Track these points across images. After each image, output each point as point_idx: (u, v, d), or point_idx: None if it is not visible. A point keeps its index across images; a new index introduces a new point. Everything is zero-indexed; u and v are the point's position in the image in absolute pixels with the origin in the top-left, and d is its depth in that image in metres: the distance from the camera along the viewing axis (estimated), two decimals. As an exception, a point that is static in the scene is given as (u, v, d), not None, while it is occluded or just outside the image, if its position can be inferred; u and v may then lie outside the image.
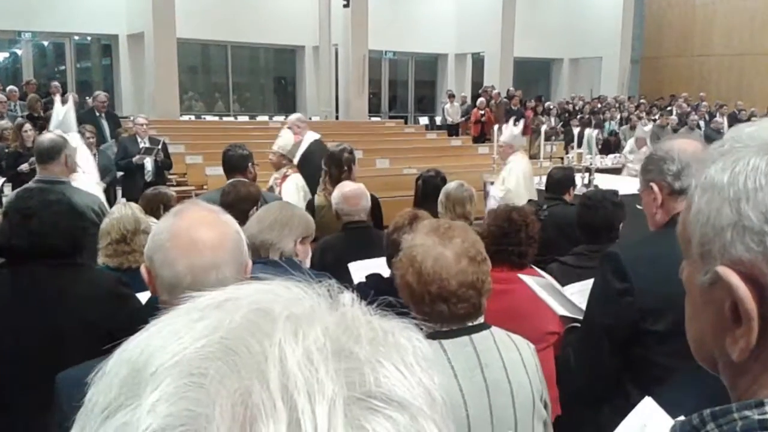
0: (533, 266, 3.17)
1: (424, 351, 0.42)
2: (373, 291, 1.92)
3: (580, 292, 2.44)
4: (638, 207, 2.20)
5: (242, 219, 3.76)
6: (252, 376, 0.36)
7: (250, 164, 4.71)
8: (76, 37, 18.55)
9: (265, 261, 2.60)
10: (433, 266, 1.76)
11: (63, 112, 5.20)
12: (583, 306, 2.28)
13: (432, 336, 1.77)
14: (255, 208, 3.84)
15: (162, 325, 0.41)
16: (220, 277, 1.41)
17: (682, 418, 0.79)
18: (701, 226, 0.76)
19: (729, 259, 0.73)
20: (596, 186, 7.14)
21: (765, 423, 0.70)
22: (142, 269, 1.48)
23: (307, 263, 2.90)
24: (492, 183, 7.26)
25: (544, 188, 5.58)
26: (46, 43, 18.92)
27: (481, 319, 1.85)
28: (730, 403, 0.75)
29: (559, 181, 5.20)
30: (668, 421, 1.37)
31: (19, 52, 18.19)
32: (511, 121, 8.12)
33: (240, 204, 3.79)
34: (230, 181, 4.39)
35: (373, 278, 2.96)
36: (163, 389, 0.36)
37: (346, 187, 4.08)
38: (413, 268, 1.77)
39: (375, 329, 0.41)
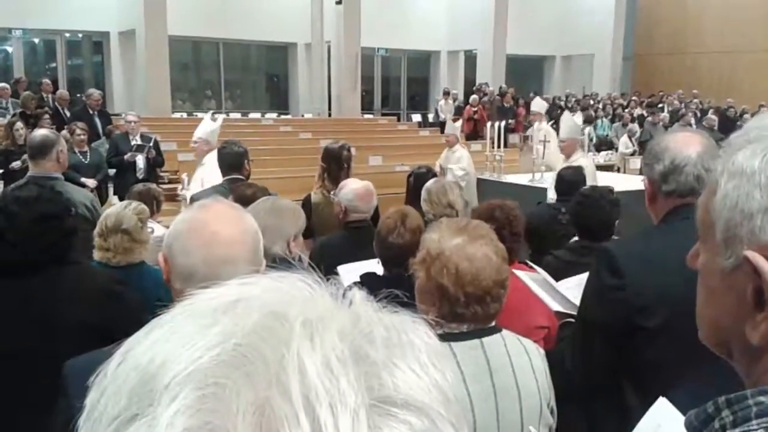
0: (527, 262, 3.17)
1: (435, 347, 0.42)
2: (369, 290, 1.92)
3: (575, 287, 2.44)
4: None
5: None
6: (271, 387, 0.35)
7: (246, 161, 4.70)
8: (68, 35, 18.48)
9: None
10: (470, 267, 1.73)
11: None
12: (577, 301, 2.28)
13: (442, 338, 1.71)
14: None
15: (169, 329, 0.39)
16: (234, 273, 1.39)
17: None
18: (728, 211, 0.76)
19: (757, 244, 0.74)
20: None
21: None
22: (160, 257, 1.50)
23: (305, 258, 2.89)
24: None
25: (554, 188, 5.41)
26: (37, 41, 18.84)
27: (492, 322, 1.82)
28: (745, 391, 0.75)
29: (571, 182, 5.03)
30: (682, 420, 1.38)
31: (9, 49, 18.11)
32: (208, 114, 6.84)
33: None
34: (232, 186, 4.36)
35: (368, 277, 2.96)
36: (181, 401, 0.35)
37: (356, 184, 4.02)
38: (447, 269, 1.73)
39: (388, 328, 0.40)
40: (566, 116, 7.65)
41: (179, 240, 1.47)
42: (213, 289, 0.42)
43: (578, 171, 5.32)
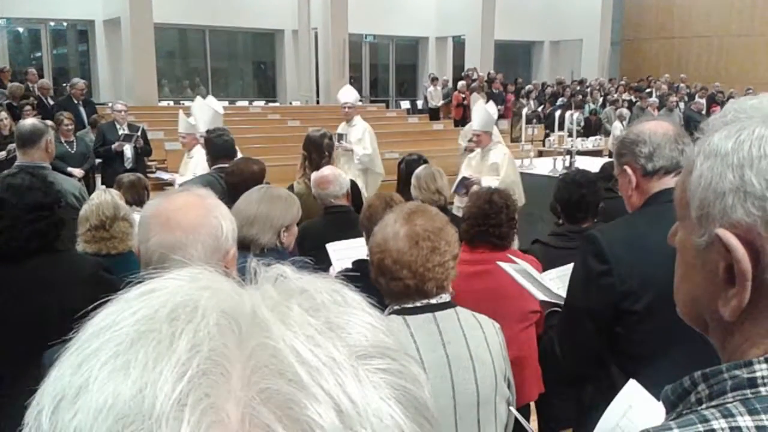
0: (515, 249, 3.20)
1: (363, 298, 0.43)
2: (361, 276, 1.96)
3: (558, 278, 2.46)
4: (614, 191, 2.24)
5: None
6: (273, 377, 0.35)
7: (235, 151, 4.70)
8: (52, 23, 18.28)
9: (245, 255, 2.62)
10: (378, 241, 1.90)
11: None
12: (561, 292, 2.30)
13: (397, 312, 1.88)
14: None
15: (113, 358, 0.36)
16: (186, 258, 1.46)
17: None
18: (702, 190, 0.79)
19: (728, 222, 0.76)
20: (577, 168, 7.17)
21: (754, 381, 0.73)
22: (135, 246, 1.59)
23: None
24: None
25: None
26: (21, 30, 18.63)
27: (445, 298, 1.93)
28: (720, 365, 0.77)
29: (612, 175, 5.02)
30: (652, 401, 1.40)
31: (-7, 38, 17.91)
32: None
33: (245, 184, 3.80)
34: (236, 159, 4.37)
35: (360, 263, 2.98)
36: (187, 422, 0.33)
37: (323, 171, 4.13)
38: (373, 239, 1.93)
39: (328, 291, 0.41)
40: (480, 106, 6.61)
41: (141, 228, 1.55)
42: (124, 306, 0.39)
43: None
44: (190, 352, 0.35)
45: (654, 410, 0.84)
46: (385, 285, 1.88)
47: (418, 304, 1.88)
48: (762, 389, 0.73)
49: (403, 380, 0.38)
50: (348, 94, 7.93)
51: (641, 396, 1.50)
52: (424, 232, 1.87)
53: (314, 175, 4.08)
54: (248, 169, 3.94)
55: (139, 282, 0.41)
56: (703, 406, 0.75)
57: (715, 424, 0.72)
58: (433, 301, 1.90)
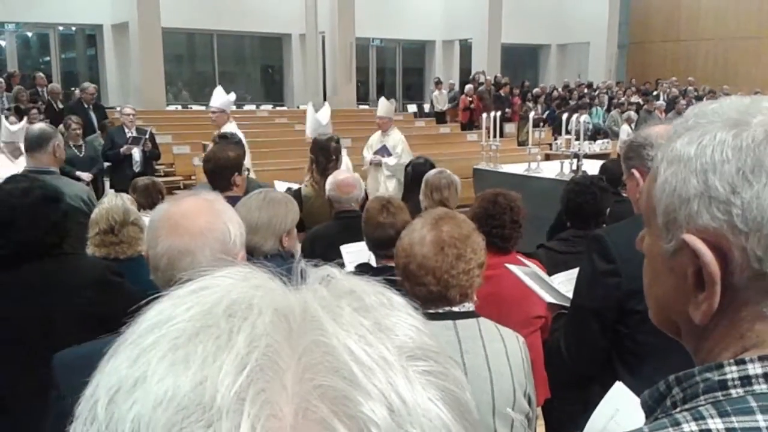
0: (519, 253, 3.19)
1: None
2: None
3: (567, 281, 2.47)
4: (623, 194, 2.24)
5: (227, 185, 3.72)
6: (328, 374, 0.36)
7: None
8: (61, 28, 18.42)
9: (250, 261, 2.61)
10: (405, 245, 1.91)
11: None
12: (569, 294, 2.31)
13: None
14: (237, 173, 3.79)
15: (171, 352, 0.36)
16: (194, 264, 1.46)
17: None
18: (667, 196, 0.79)
19: (695, 228, 0.76)
20: (584, 172, 7.14)
21: (725, 383, 0.74)
22: (144, 250, 1.58)
23: (298, 249, 2.90)
24: None
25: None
26: (30, 34, 18.78)
27: (469, 307, 1.91)
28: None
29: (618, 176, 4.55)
30: (638, 404, 1.42)
31: (2, 43, 18.05)
32: None
33: (222, 171, 3.75)
34: (210, 147, 4.31)
35: (363, 268, 2.98)
36: (247, 413, 0.33)
37: (340, 174, 4.07)
38: (400, 243, 1.94)
39: (375, 293, 0.42)
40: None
41: (150, 232, 1.54)
42: (178, 303, 0.40)
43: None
44: (249, 347, 0.36)
45: (641, 413, 0.84)
46: (409, 289, 1.87)
47: (440, 310, 1.88)
48: (733, 391, 0.73)
49: (447, 382, 0.39)
50: (216, 98, 6.69)
51: (628, 399, 1.50)
52: (450, 238, 1.87)
53: (333, 179, 4.00)
54: (224, 155, 3.84)
55: (188, 280, 0.42)
56: (678, 409, 0.76)
57: (685, 427, 0.72)
58: (455, 308, 1.89)
